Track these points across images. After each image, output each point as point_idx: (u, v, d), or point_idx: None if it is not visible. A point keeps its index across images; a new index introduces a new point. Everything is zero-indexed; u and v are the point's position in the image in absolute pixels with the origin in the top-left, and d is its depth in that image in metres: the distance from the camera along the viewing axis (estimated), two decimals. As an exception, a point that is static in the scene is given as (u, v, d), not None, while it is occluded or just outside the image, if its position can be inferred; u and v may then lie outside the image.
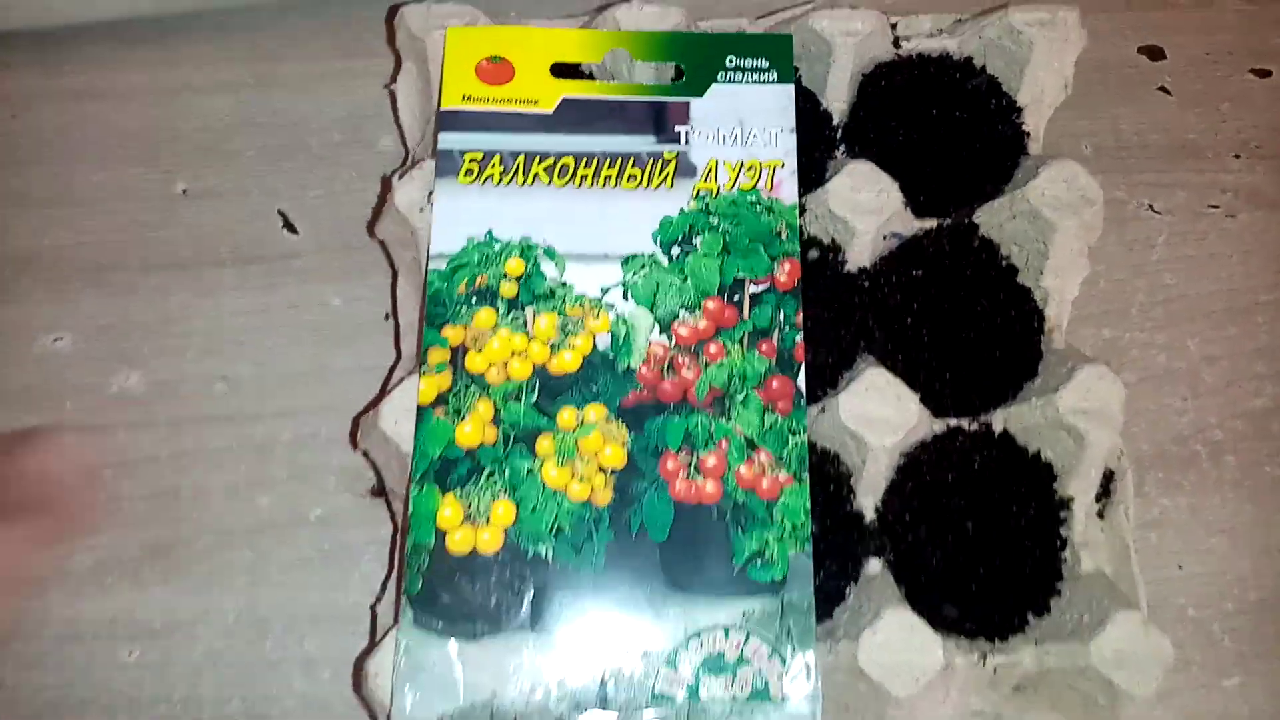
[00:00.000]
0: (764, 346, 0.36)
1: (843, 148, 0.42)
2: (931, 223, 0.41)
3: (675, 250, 0.37)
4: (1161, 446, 0.45)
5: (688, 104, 0.39)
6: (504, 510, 0.35)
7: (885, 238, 0.40)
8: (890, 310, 0.39)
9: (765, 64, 0.39)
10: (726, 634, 0.34)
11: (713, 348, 0.37)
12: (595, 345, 0.36)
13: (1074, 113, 0.49)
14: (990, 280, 0.40)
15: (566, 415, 0.36)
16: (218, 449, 0.44)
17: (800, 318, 0.37)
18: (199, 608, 0.42)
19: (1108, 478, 0.39)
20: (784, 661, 0.34)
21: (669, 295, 0.37)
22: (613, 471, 0.35)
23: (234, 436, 0.44)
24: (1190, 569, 0.43)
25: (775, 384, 0.36)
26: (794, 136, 0.39)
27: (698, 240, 0.37)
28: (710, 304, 0.37)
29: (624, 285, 0.37)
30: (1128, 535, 0.38)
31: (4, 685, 0.41)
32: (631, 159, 0.38)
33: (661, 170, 0.38)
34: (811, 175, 0.41)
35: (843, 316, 0.38)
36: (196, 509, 0.43)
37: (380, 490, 0.41)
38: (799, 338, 0.36)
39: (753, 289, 0.37)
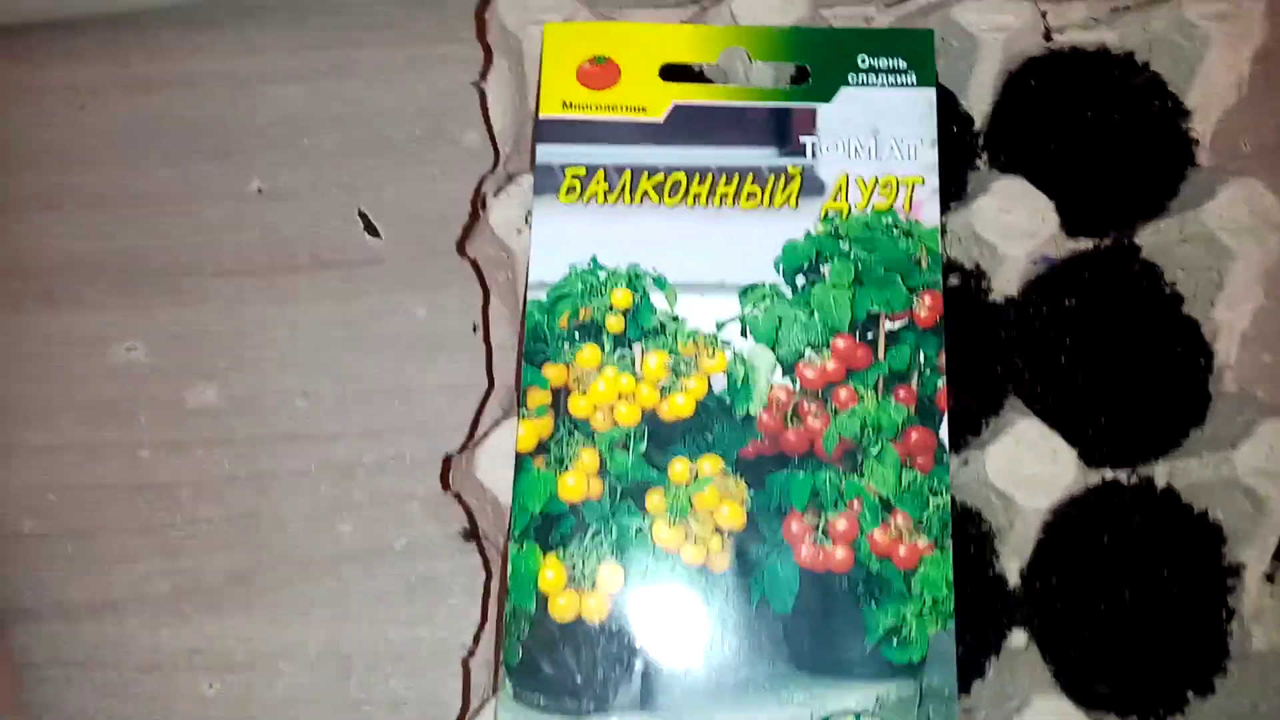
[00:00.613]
0: (902, 393, 0.33)
1: (985, 156, 0.38)
2: (1087, 244, 0.36)
3: (800, 280, 0.33)
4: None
5: (814, 111, 0.35)
6: (611, 574, 0.31)
7: (1034, 262, 0.36)
8: (1039, 345, 0.35)
9: (903, 64, 0.35)
10: None
11: (843, 393, 0.33)
12: (710, 388, 0.33)
13: (1245, 114, 0.44)
14: (1152, 311, 0.36)
15: (679, 467, 0.32)
16: (297, 470, 0.42)
17: (943, 359, 0.33)
18: (280, 640, 0.40)
19: (1281, 540, 0.35)
20: None
21: (793, 332, 0.33)
22: (730, 533, 0.32)
23: (314, 457, 0.42)
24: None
25: (914, 436, 0.32)
26: (935, 149, 0.34)
27: (826, 269, 0.33)
28: (840, 342, 0.33)
29: (742, 320, 0.33)
30: (1305, 606, 0.34)
31: (85, 713, 0.40)
32: (750, 175, 0.34)
33: (785, 188, 0.34)
34: (950, 189, 0.36)
35: (987, 354, 0.34)
36: (276, 534, 0.41)
37: (473, 534, 0.38)
38: (941, 382, 0.32)
39: (889, 325, 0.33)
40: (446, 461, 0.40)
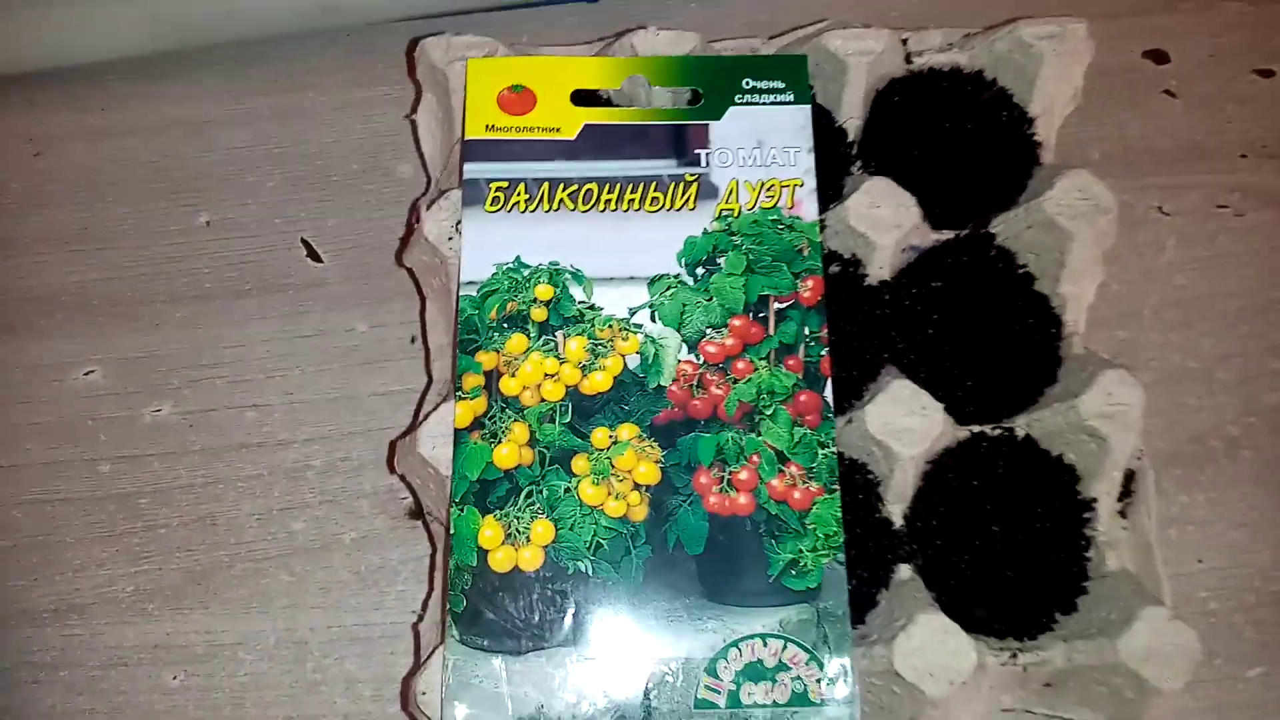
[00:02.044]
0: (790, 362, 0.37)
1: (859, 163, 0.43)
2: (949, 234, 0.42)
3: (700, 270, 0.38)
4: (1179, 445, 0.46)
5: (706, 127, 0.40)
6: (543, 529, 0.36)
7: (904, 251, 0.41)
8: (911, 321, 0.40)
9: (781, 85, 0.40)
10: (765, 642, 0.34)
11: (740, 364, 0.37)
12: (625, 366, 0.37)
13: (1082, 119, 0.50)
14: (1008, 288, 0.41)
15: (600, 435, 0.37)
16: (250, 476, 0.45)
17: (825, 333, 0.38)
18: (239, 632, 0.43)
19: (1129, 478, 0.40)
20: (821, 667, 0.34)
21: (696, 314, 0.37)
22: (648, 488, 0.36)
23: (266, 464, 0.45)
24: (1211, 563, 0.44)
25: (803, 398, 0.37)
26: (812, 155, 0.40)
27: (722, 260, 0.38)
28: (736, 322, 0.38)
29: (651, 306, 0.38)
30: (1150, 534, 0.39)
31: (54, 712, 0.42)
32: (654, 182, 0.39)
33: (684, 193, 0.39)
34: (829, 192, 0.42)
35: (865, 329, 0.39)
36: (232, 535, 0.44)
37: (418, 512, 0.41)
38: (824, 352, 0.37)
39: (777, 306, 0.38)
40: (392, 446, 0.43)
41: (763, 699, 0.34)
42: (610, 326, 0.38)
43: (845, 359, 0.39)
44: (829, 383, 0.37)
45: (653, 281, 0.38)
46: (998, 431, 0.40)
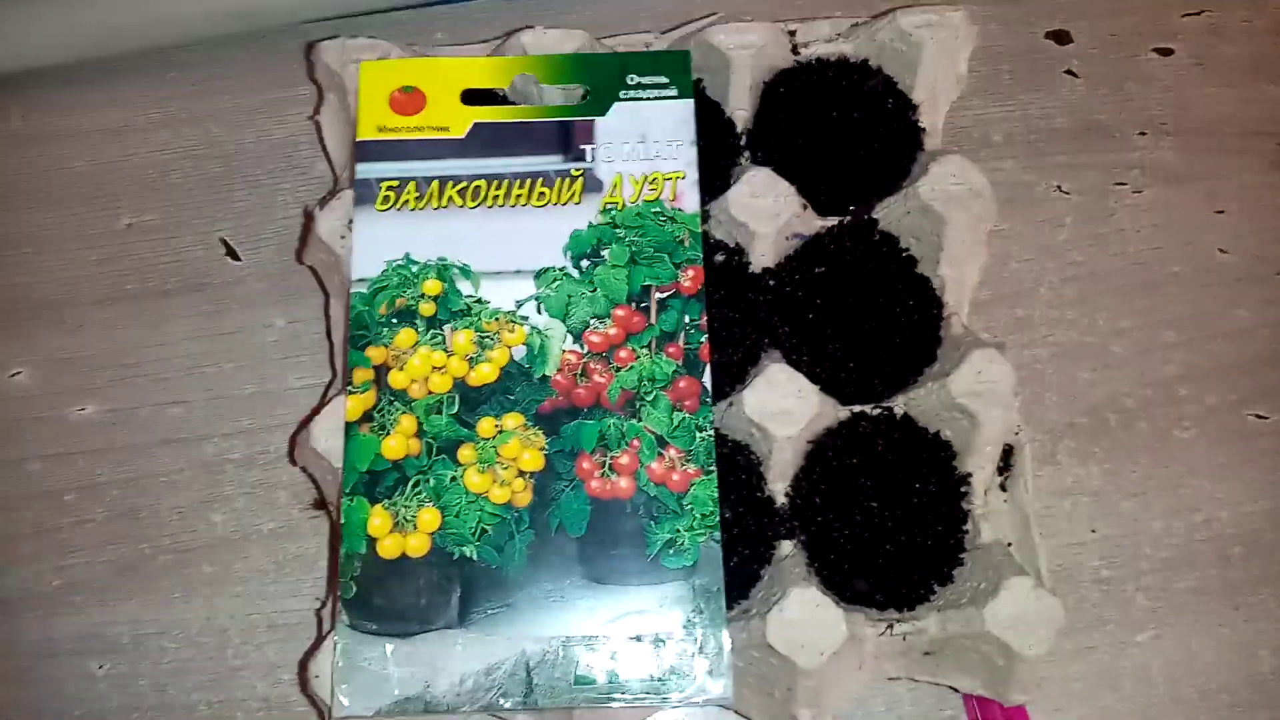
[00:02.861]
0: (671, 349, 0.39)
1: (747, 154, 0.44)
2: (834, 221, 0.43)
3: (585, 263, 0.39)
4: (1073, 418, 0.47)
5: (592, 123, 0.41)
6: (430, 517, 0.37)
7: (788, 238, 0.42)
8: (795, 307, 0.41)
9: (665, 80, 0.41)
10: (643, 619, 0.36)
11: (623, 353, 0.39)
12: (512, 357, 0.39)
13: (984, 101, 0.51)
14: (891, 272, 0.42)
15: (486, 425, 0.38)
16: (172, 470, 0.46)
17: (705, 320, 0.39)
18: (163, 621, 0.45)
19: (1008, 453, 0.41)
20: (698, 641, 0.36)
21: (580, 306, 0.39)
22: (532, 475, 0.38)
23: (187, 458, 0.46)
24: (1103, 532, 0.46)
25: (683, 384, 0.38)
26: (695, 149, 0.41)
27: (606, 252, 0.39)
28: (619, 312, 0.39)
29: (537, 299, 0.39)
30: (1028, 506, 0.41)
31: (-16, 703, 0.44)
32: (540, 179, 0.40)
33: (569, 188, 0.40)
34: (717, 183, 0.43)
35: (748, 316, 0.41)
36: (155, 528, 0.46)
37: (321, 503, 0.43)
38: (704, 339, 0.39)
39: (659, 295, 0.39)
40: (292, 440, 0.45)
41: (640, 673, 0.36)
42: (497, 319, 0.39)
43: (728, 345, 0.40)
44: (708, 368, 0.39)
45: (539, 275, 0.40)
46: (878, 411, 0.41)
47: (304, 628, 0.44)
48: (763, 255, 0.42)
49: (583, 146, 0.41)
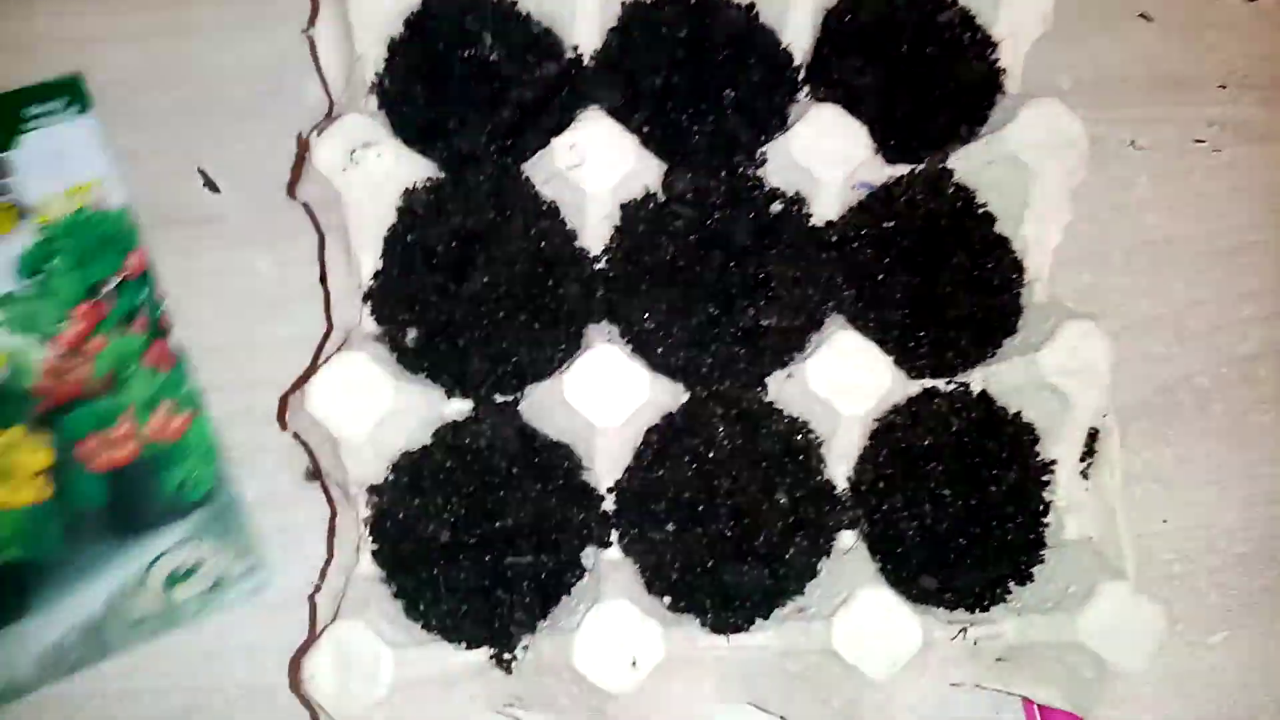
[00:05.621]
0: (136, 325, 0.41)
1: (805, 90, 0.39)
2: (903, 169, 0.38)
3: (36, 277, 0.41)
4: (1145, 397, 0.43)
5: (4, 158, 0.43)
6: None
7: (853, 187, 0.37)
8: (860, 266, 0.37)
9: (63, 104, 0.43)
10: (180, 549, 0.39)
11: (96, 341, 0.41)
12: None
13: (1051, 44, 0.46)
14: (966, 230, 0.37)
15: None
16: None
17: (157, 292, 0.42)
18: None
19: (1091, 436, 0.37)
20: (231, 553, 0.39)
21: (43, 316, 0.41)
22: (48, 469, 0.40)
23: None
24: (1175, 523, 0.42)
25: (155, 348, 0.41)
26: (107, 154, 0.43)
27: (55, 262, 0.42)
28: (81, 308, 0.41)
29: (2, 323, 0.41)
30: (1114, 498, 0.36)
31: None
32: None
33: (3, 219, 0.42)
34: (773, 121, 0.38)
35: (809, 274, 0.36)
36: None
37: (316, 473, 0.38)
38: (163, 307, 0.42)
39: (113, 284, 0.42)
40: (282, 401, 0.40)
41: (191, 593, 0.39)
42: None
43: (788, 307, 0.35)
44: (171, 329, 0.41)
45: None
46: (951, 387, 0.36)
47: (287, 607, 0.39)
48: (826, 205, 0.37)
49: (4, 180, 0.42)
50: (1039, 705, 0.37)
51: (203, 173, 0.44)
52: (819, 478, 0.35)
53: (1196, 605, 0.41)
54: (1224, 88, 0.47)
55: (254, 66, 0.45)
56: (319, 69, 0.41)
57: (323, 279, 0.39)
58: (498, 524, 0.33)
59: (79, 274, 0.42)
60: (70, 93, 0.44)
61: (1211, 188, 0.46)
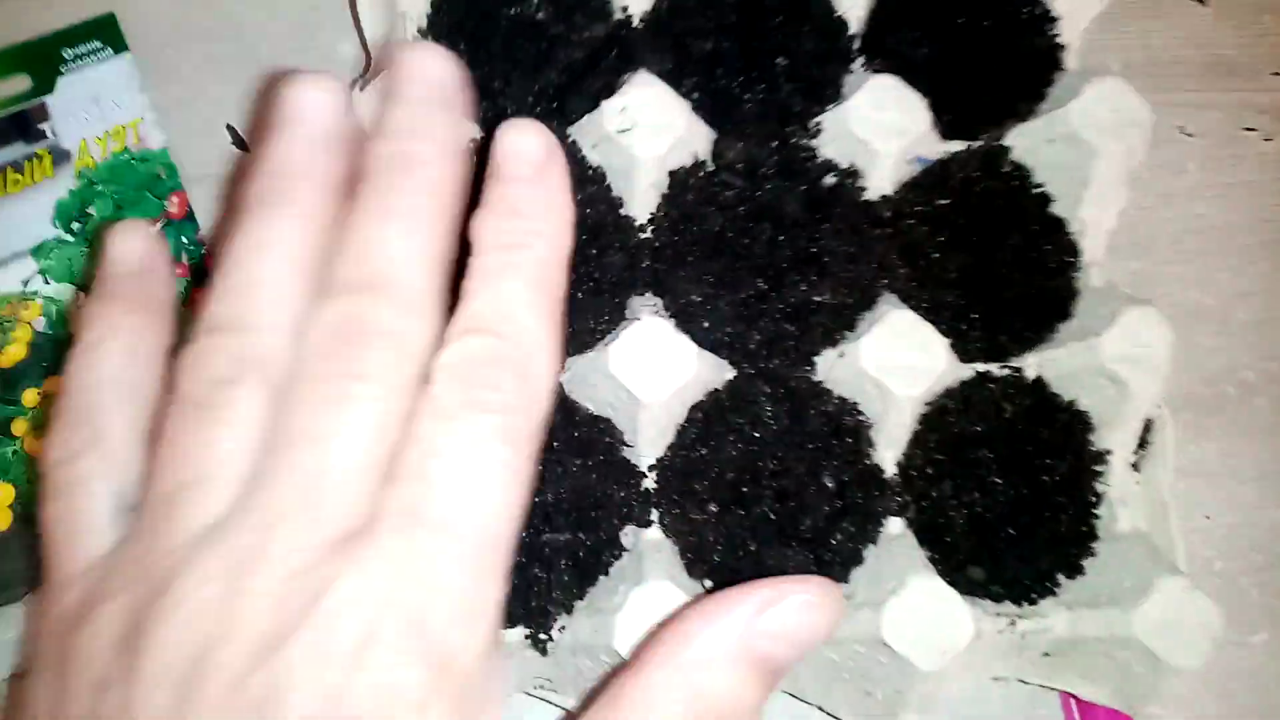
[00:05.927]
0: (180, 270, 0.40)
1: (861, 60, 0.38)
2: (959, 145, 0.37)
3: (76, 225, 0.40)
4: (1190, 388, 0.42)
5: (44, 103, 0.42)
6: (4, 492, 0.37)
7: (909, 161, 0.36)
8: (914, 242, 0.35)
9: (99, 44, 0.42)
10: None
11: None
12: (35, 330, 0.39)
13: (1101, 25, 0.45)
14: (1023, 210, 0.36)
15: (30, 395, 0.38)
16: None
17: (198, 235, 0.40)
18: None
19: (1145, 428, 0.36)
20: None
21: (84, 263, 0.40)
22: None
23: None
24: (1219, 519, 0.41)
25: (197, 296, 0.39)
26: (144, 94, 0.42)
27: (92, 209, 0.41)
28: None
29: (42, 272, 0.40)
30: (1166, 491, 0.35)
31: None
32: (9, 167, 0.41)
33: (40, 166, 0.41)
34: (827, 91, 0.37)
35: (862, 249, 0.34)
36: None
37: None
38: (202, 251, 0.40)
39: (154, 228, 0.40)
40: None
41: None
42: (10, 303, 0.39)
43: (841, 283, 0.34)
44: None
45: (36, 250, 0.40)
46: (1005, 371, 0.35)
47: None
48: (881, 179, 0.35)
49: (41, 126, 0.41)
50: (1078, 701, 0.36)
51: (232, 129, 0.42)
52: (868, 461, 0.34)
53: (1238, 604, 0.40)
54: (1277, 75, 0.46)
55: (286, 23, 0.43)
56: (358, 25, 0.39)
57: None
58: (535, 499, 0.32)
59: (119, 218, 0.40)
60: (105, 33, 0.42)
61: (1261, 177, 0.45)
